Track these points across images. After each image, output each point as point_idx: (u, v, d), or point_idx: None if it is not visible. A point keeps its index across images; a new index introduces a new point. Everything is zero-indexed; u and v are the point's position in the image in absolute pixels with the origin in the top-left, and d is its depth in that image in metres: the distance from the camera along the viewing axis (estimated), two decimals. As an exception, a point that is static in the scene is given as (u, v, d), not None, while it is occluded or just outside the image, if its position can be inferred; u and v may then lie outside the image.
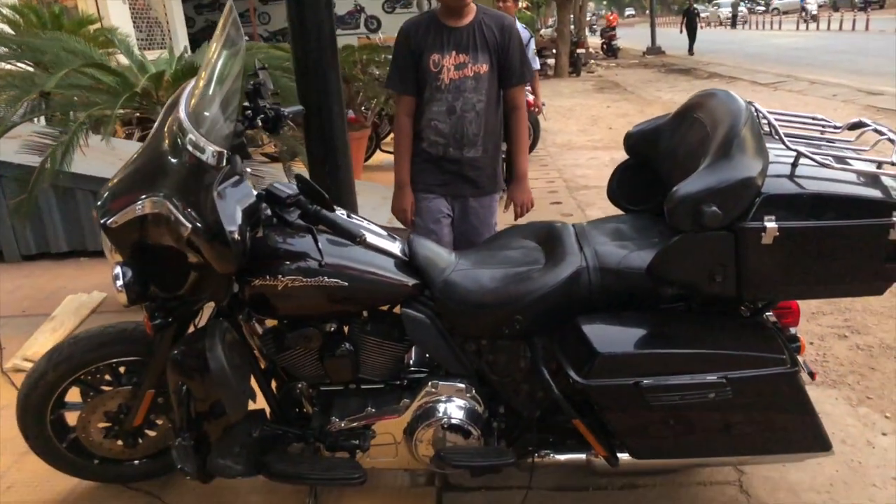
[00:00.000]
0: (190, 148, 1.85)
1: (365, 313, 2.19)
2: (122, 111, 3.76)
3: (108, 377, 2.34)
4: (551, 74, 18.54)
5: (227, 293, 2.01)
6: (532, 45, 5.88)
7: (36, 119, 4.03)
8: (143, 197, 1.89)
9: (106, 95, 3.61)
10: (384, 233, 2.22)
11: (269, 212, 2.08)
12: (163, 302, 2.05)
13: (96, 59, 3.64)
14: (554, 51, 19.33)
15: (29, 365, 3.50)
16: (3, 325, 4.11)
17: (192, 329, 2.20)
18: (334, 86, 3.15)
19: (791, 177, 1.88)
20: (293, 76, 3.50)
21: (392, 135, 8.14)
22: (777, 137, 1.98)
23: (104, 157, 5.19)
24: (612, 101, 12.98)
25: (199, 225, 1.81)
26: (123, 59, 4.22)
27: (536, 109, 6.96)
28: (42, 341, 3.73)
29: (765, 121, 2.07)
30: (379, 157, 8.17)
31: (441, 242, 2.45)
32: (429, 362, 2.28)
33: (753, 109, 2.01)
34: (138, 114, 3.98)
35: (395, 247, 2.19)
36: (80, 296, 4.26)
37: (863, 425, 2.71)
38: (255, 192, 1.99)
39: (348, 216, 2.11)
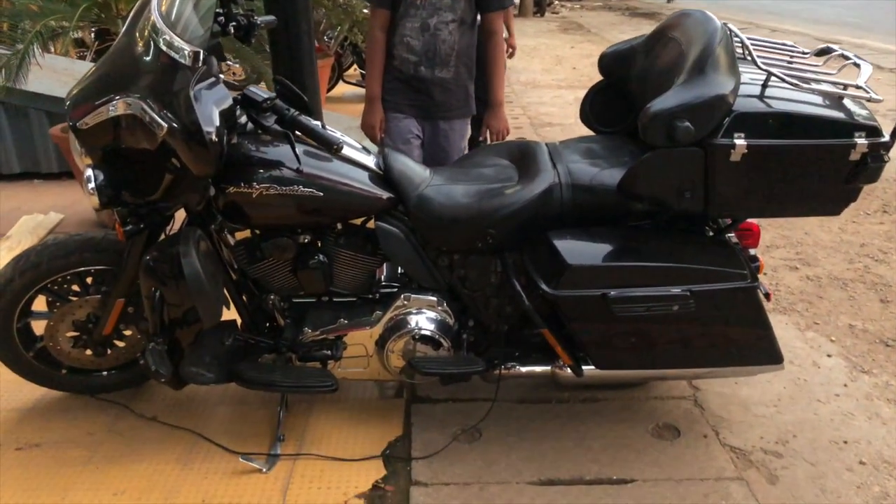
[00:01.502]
0: (164, 48, 1.81)
1: (339, 226, 2.20)
2: (80, 24, 3.62)
3: (75, 287, 2.32)
4: (516, 14, 18.27)
5: (202, 198, 1.99)
6: None
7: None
8: (117, 98, 1.85)
9: (64, 5, 3.45)
10: (359, 146, 2.22)
11: (243, 118, 2.05)
12: (135, 207, 2.03)
13: (53, -34, 3.46)
14: (519, -11, 19.02)
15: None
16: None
17: (163, 237, 2.18)
18: (303, 1, 3.08)
19: (761, 97, 1.93)
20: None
21: (355, 66, 8.10)
22: (750, 59, 2.02)
23: (59, 76, 5.01)
24: (575, 42, 12.89)
25: (175, 125, 1.78)
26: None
27: (511, 50, 6.87)
28: (6, 248, 3.65)
29: (738, 41, 2.10)
30: (341, 88, 8.03)
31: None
32: (401, 277, 2.31)
33: (728, 30, 2.04)
34: (94, 28, 3.81)
35: (371, 160, 2.19)
36: (37, 216, 4.16)
37: (810, 348, 2.85)
38: (231, 96, 1.96)
39: (323, 126, 2.10)
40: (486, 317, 2.26)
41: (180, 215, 2.14)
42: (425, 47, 2.75)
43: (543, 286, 1.99)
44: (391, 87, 2.85)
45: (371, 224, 2.20)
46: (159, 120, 1.78)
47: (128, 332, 2.39)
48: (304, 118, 1.94)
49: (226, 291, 2.24)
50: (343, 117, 6.33)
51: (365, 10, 6.55)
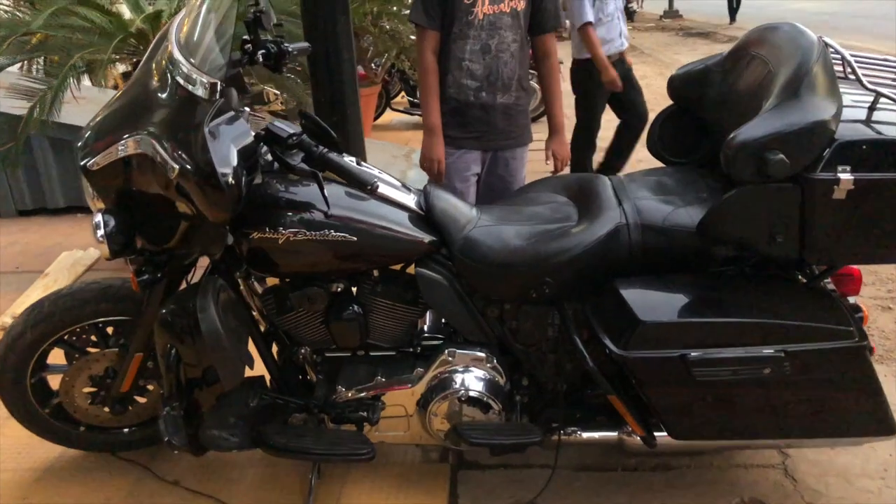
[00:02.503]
0: (180, 81, 1.62)
1: (376, 272, 1.96)
2: (116, 56, 3.51)
3: (93, 338, 2.14)
4: (566, 37, 18.05)
5: (220, 245, 1.78)
6: None
7: (24, 65, 3.78)
8: (126, 136, 1.66)
9: (98, 37, 3.34)
10: (397, 183, 1.99)
11: (268, 155, 1.84)
12: (151, 256, 1.83)
13: (88, -3, 3.37)
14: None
15: (19, 324, 3.31)
16: (-6, 281, 3.92)
17: (183, 286, 1.98)
18: (344, 27, 2.91)
19: (868, 122, 1.63)
20: (299, 19, 3.25)
21: (403, 93, 7.95)
22: (854, 77, 1.72)
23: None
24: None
25: (187, 166, 1.58)
26: (126, 11, 3.96)
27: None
28: (34, 299, 3.52)
29: (837, 58, 1.81)
30: (389, 115, 7.89)
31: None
32: (445, 328, 2.06)
33: (825, 44, 1.75)
34: (135, 59, 3.71)
35: (410, 199, 1.95)
36: (75, 252, 4.06)
37: (915, 404, 2.48)
38: (252, 133, 1.75)
39: (358, 163, 1.87)
40: (542, 375, 1.99)
41: (205, 260, 1.94)
42: (487, 71, 2.53)
43: (610, 345, 1.71)
44: (446, 121, 2.61)
45: (411, 270, 1.96)
46: (171, 161, 1.58)
47: (149, 387, 2.19)
48: (333, 155, 1.71)
49: (253, 344, 2.02)
50: (389, 145, 6.17)
51: (412, 37, 6.41)
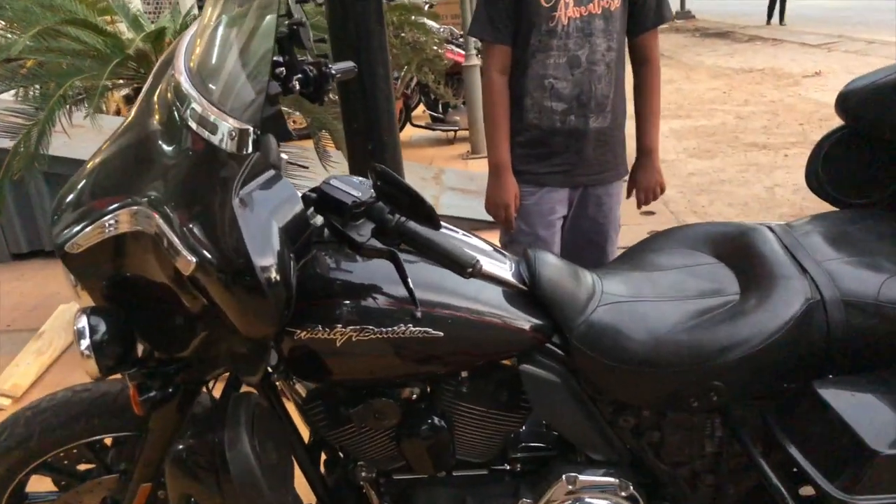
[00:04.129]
0: (193, 125, 1.11)
1: (464, 373, 1.44)
2: (111, 83, 3.02)
3: (88, 455, 1.63)
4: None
5: (259, 367, 1.26)
6: None
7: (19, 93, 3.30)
8: (117, 206, 1.15)
9: (92, 61, 2.85)
10: (489, 247, 1.47)
11: (318, 219, 1.33)
12: (156, 367, 1.32)
13: (79, 15, 2.87)
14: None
15: (5, 402, 2.82)
16: (-16, 344, 3.42)
17: (201, 396, 1.48)
18: (379, 40, 2.42)
19: None
20: (324, 33, 2.76)
21: (423, 107, 7.44)
22: None
23: (102, 138, 4.47)
24: (650, 68, 12.08)
25: (209, 258, 1.07)
26: (125, 30, 3.47)
27: None
28: (24, 368, 3.03)
29: None
30: (408, 131, 7.39)
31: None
32: (552, 436, 1.54)
33: None
34: (135, 85, 3.22)
35: (507, 269, 1.43)
36: (73, 306, 3.56)
37: None
38: (299, 195, 1.23)
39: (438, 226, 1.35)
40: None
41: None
42: (577, 90, 2.00)
43: (825, 486, 1.18)
44: (522, 153, 2.09)
45: (508, 361, 1.45)
46: (183, 248, 1.06)
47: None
48: (417, 228, 1.20)
49: (294, 460, 1.51)
50: (416, 166, 5.65)
51: (436, 48, 5.92)
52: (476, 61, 6.34)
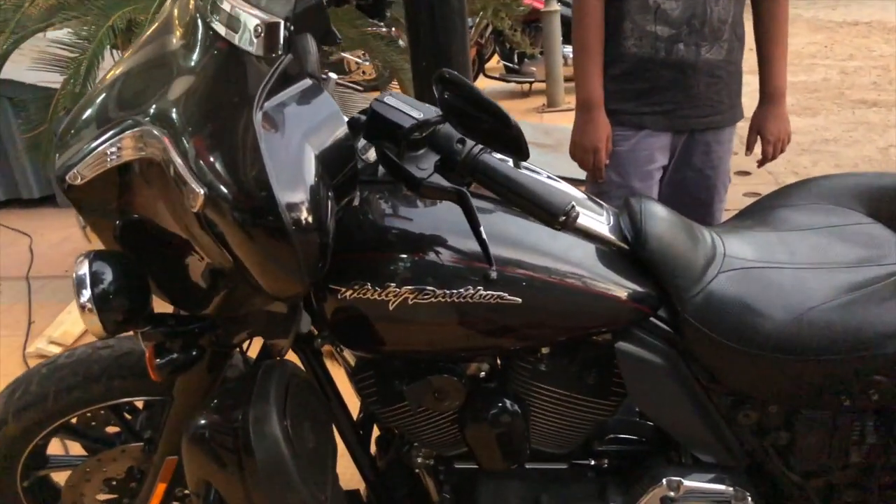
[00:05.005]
0: (216, 25, 0.87)
1: (544, 350, 1.18)
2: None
3: (115, 419, 1.45)
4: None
5: (289, 331, 1.03)
6: None
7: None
8: (119, 129, 0.93)
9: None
10: (580, 194, 1.18)
11: (371, 154, 1.08)
12: (176, 326, 1.10)
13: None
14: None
15: (55, 350, 2.71)
16: (39, 288, 3.36)
17: (235, 358, 1.26)
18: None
19: None
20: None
21: (497, 57, 7.06)
22: None
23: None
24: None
25: (222, 189, 0.82)
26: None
27: None
28: (76, 316, 2.92)
29: None
30: (481, 83, 7.03)
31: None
32: (647, 429, 1.26)
33: None
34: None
35: (603, 223, 1.15)
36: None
37: None
38: (345, 119, 0.96)
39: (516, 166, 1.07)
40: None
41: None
42: (688, 12, 1.67)
43: None
44: (617, 89, 1.77)
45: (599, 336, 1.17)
46: (190, 176, 0.82)
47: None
48: (495, 162, 0.92)
49: (339, 437, 1.29)
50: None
51: (515, -9, 5.54)
52: (556, 6, 5.93)
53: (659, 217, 1.14)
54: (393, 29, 4.00)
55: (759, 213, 1.30)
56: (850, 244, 1.14)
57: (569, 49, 5.79)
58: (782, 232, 1.20)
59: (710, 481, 1.16)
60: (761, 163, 1.88)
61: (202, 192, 0.81)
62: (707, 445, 1.16)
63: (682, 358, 1.13)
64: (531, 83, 6.70)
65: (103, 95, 1.03)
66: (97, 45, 2.51)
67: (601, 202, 1.20)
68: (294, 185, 0.81)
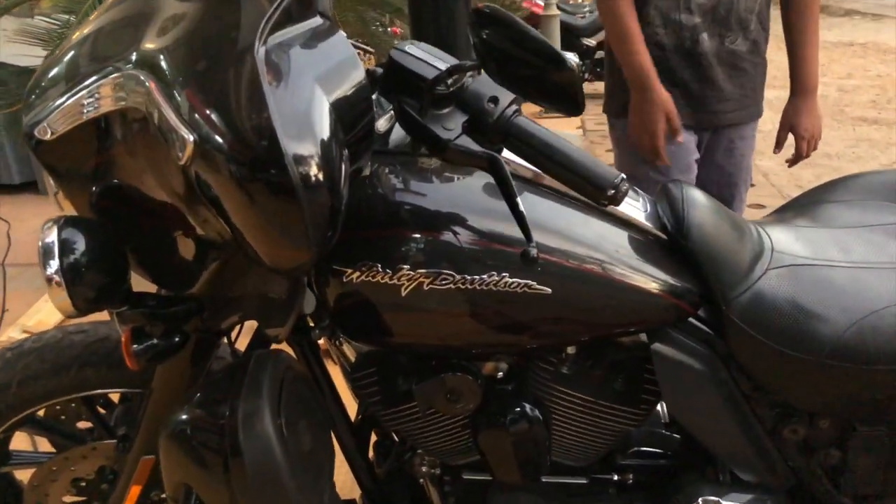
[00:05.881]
0: None
1: (570, 350, 1.06)
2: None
3: (87, 412, 1.32)
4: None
5: (289, 316, 0.90)
6: None
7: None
8: (98, 76, 0.80)
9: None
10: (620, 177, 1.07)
11: (388, 116, 0.96)
12: (158, 306, 0.97)
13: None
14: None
15: (28, 339, 2.56)
16: (16, 276, 3.19)
17: (222, 348, 1.14)
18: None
19: None
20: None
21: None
22: None
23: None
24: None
25: (215, 137, 0.70)
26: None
27: None
28: (52, 305, 2.77)
29: None
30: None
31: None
32: (684, 446, 1.15)
33: None
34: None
35: (641, 209, 1.04)
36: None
37: None
38: (363, 68, 0.84)
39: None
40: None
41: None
42: (714, 1, 1.58)
43: None
44: None
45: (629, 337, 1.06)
46: (179, 123, 0.70)
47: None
48: (537, 125, 0.81)
49: (336, 442, 1.16)
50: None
51: (514, -7, 5.44)
52: (555, 11, 5.86)
53: (702, 205, 1.03)
54: (392, 29, 3.90)
55: (803, 208, 1.19)
56: (910, 242, 1.03)
57: (570, 55, 5.70)
58: (833, 229, 1.09)
59: (749, 502, 1.04)
60: (794, 161, 1.78)
61: (192, 138, 0.68)
62: (748, 462, 1.05)
63: (723, 363, 1.01)
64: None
65: (78, 46, 0.91)
66: (81, 16, 2.37)
67: (636, 188, 1.09)
68: (303, 134, 0.69)
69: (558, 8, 6.01)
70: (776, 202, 3.65)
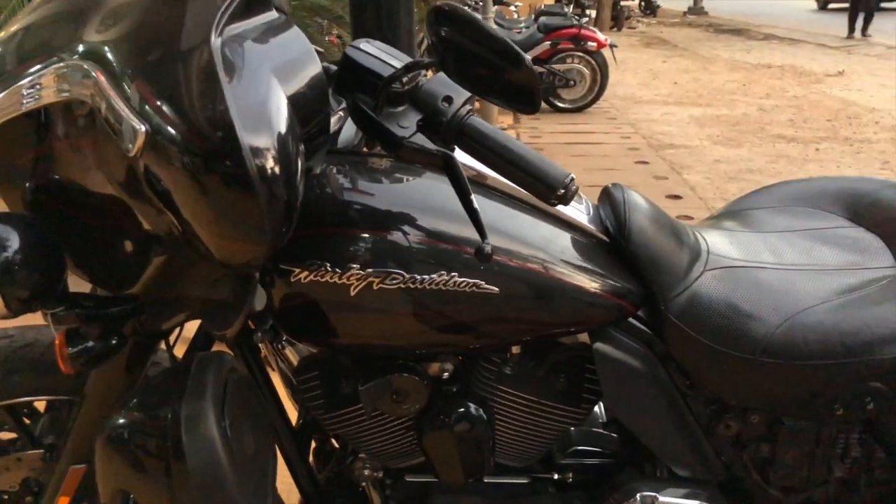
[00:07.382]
0: None
1: (514, 350, 1.07)
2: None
3: (9, 421, 1.25)
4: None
5: (237, 315, 0.88)
6: None
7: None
8: (40, 66, 0.77)
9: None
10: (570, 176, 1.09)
11: (340, 115, 0.96)
12: (94, 308, 0.93)
13: None
14: (595, 1, 17.94)
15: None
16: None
17: (159, 354, 1.11)
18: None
19: None
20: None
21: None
22: None
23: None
24: (665, 57, 11.67)
25: (167, 128, 0.68)
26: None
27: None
28: None
29: None
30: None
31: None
32: (621, 444, 1.18)
33: None
34: None
35: (584, 212, 1.07)
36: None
37: None
38: (320, 63, 0.83)
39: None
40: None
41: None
42: None
43: None
44: None
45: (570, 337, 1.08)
46: (129, 113, 0.68)
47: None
48: (489, 126, 0.82)
49: (278, 449, 1.14)
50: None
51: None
52: (492, 25, 5.96)
53: (643, 209, 1.06)
54: (329, 38, 3.89)
55: (736, 214, 1.24)
56: (834, 247, 1.09)
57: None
58: (765, 233, 1.14)
59: (685, 496, 1.07)
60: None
61: (143, 128, 0.66)
62: (684, 457, 1.08)
63: (661, 362, 1.05)
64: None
65: (14, 37, 0.87)
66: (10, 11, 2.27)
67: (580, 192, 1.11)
68: (260, 126, 0.68)
69: (495, 23, 6.11)
70: (702, 214, 3.79)
